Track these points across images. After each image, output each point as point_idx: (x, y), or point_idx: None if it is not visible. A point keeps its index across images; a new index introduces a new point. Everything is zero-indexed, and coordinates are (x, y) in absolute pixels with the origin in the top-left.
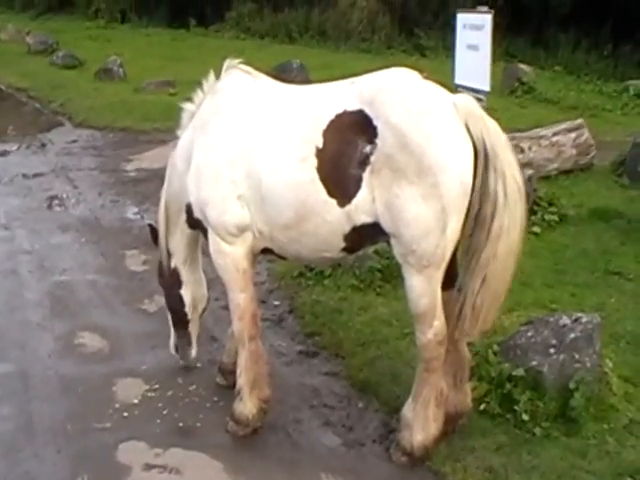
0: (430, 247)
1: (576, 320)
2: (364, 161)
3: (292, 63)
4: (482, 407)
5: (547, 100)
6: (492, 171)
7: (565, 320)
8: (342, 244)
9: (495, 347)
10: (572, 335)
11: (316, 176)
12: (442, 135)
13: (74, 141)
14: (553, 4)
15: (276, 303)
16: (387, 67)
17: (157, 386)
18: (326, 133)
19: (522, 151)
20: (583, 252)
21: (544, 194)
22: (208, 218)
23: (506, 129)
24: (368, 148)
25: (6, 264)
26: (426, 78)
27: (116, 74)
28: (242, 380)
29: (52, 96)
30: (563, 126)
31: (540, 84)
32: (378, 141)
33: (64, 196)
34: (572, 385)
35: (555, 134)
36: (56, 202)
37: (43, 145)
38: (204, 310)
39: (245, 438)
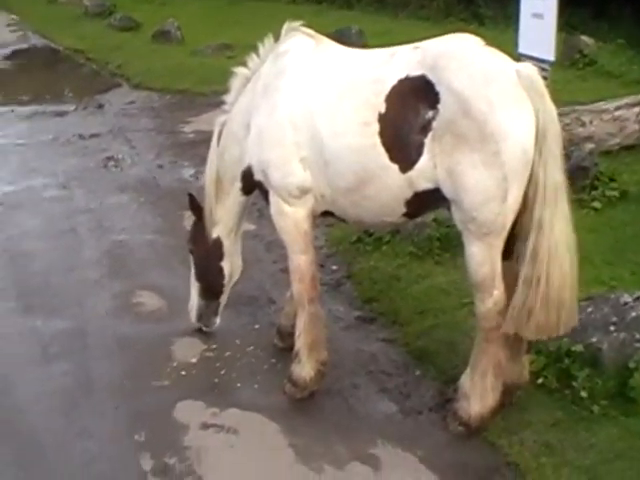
0: (491, 215)
1: (637, 298)
2: (426, 127)
3: (350, 29)
4: (540, 381)
5: (609, 73)
6: (537, 153)
7: (626, 298)
8: (403, 209)
9: None
10: (633, 314)
11: (378, 141)
12: (505, 102)
13: (131, 102)
14: None
15: (334, 268)
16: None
17: (215, 346)
18: (389, 98)
19: (583, 124)
20: None
21: (605, 169)
22: (270, 180)
23: (567, 102)
24: (430, 114)
25: (65, 223)
26: (489, 45)
27: (173, 37)
28: (300, 342)
29: (109, 58)
30: (626, 100)
31: (602, 57)
32: (440, 107)
33: (122, 157)
34: (632, 364)
35: (618, 108)
36: (114, 162)
37: (100, 106)
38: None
39: (302, 401)
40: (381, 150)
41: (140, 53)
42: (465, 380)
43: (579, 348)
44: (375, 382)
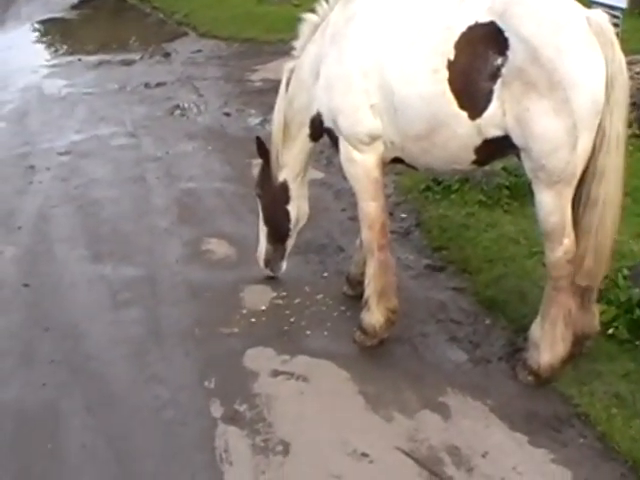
0: (560, 163)
1: None
2: (495, 74)
3: None
4: (610, 332)
5: None
6: (605, 102)
7: None
8: (472, 157)
9: (625, 271)
10: None
11: (447, 88)
12: (574, 50)
13: (198, 51)
14: None
15: (403, 216)
16: None
17: (284, 294)
18: (458, 45)
19: None
20: None
21: None
22: (340, 127)
23: (636, 50)
24: (499, 61)
25: (134, 170)
26: None
27: None
28: (370, 289)
29: (175, 7)
30: None
31: None
32: (509, 54)
33: (189, 105)
34: None
35: None
36: (181, 111)
37: (167, 54)
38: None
39: (372, 348)
40: (450, 97)
41: (206, 2)
42: (535, 329)
43: None
44: (444, 331)
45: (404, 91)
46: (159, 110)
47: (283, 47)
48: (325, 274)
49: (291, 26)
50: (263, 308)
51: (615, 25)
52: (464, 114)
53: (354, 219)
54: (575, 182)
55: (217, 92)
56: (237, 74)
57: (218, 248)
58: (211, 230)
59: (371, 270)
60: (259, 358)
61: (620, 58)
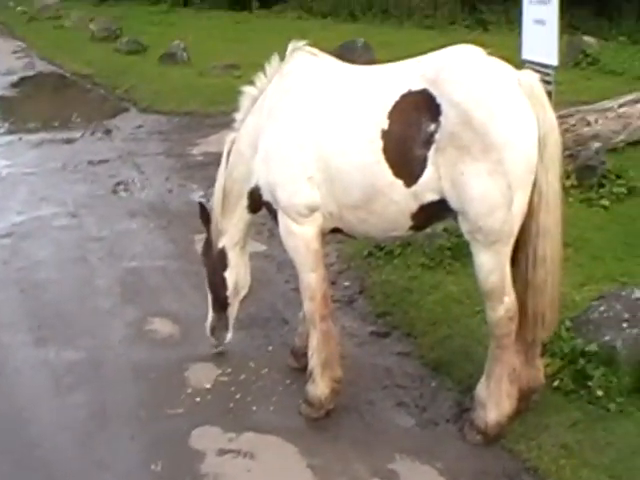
0: (497, 223)
1: None
2: (429, 140)
3: (356, 42)
4: (555, 384)
5: (612, 71)
6: (540, 160)
7: (638, 294)
8: (409, 223)
9: (567, 323)
10: None
11: (382, 158)
12: (506, 111)
13: (140, 126)
14: None
15: (346, 284)
16: (450, 44)
17: (229, 370)
18: (391, 114)
19: (588, 124)
20: None
21: (612, 167)
22: (279, 200)
23: (572, 102)
24: (432, 127)
25: (76, 252)
26: (490, 54)
27: (180, 58)
28: (314, 361)
29: (117, 82)
30: (629, 97)
31: (605, 55)
32: (442, 119)
33: (131, 182)
34: None
35: (621, 106)
36: (123, 188)
37: (109, 131)
38: (245, 296)
39: (318, 420)
40: (385, 166)
41: (147, 76)
42: (481, 389)
43: (593, 348)
44: (391, 396)
45: (340, 162)
46: (101, 188)
47: (224, 119)
48: (270, 348)
49: (232, 98)
50: (208, 386)
51: (547, 83)
52: (399, 182)
53: (297, 290)
54: (512, 240)
55: (159, 168)
56: (178, 149)
57: (162, 327)
58: (154, 309)
59: (314, 341)
60: (205, 437)
61: (551, 117)
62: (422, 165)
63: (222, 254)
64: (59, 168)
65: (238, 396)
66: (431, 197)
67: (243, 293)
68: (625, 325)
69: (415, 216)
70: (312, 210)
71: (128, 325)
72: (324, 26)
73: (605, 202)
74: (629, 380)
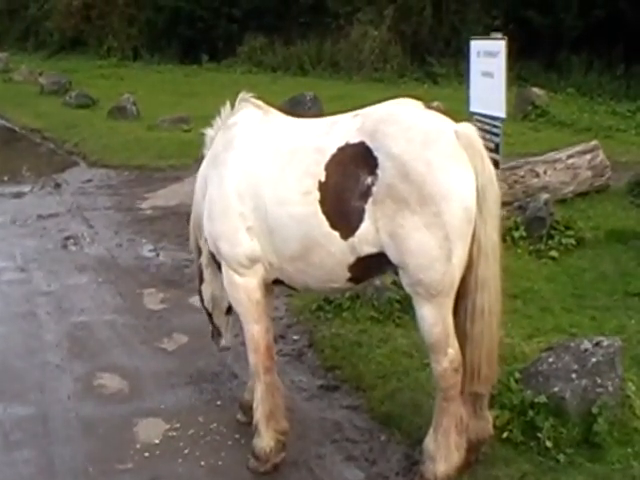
0: (437, 275)
1: (597, 344)
2: (366, 192)
3: (305, 95)
4: (505, 435)
5: (561, 123)
6: (478, 213)
7: (586, 345)
8: (347, 274)
9: (516, 374)
10: (594, 359)
11: (319, 209)
12: (442, 163)
13: (89, 180)
14: (565, 27)
15: (295, 338)
16: (399, 96)
17: (178, 425)
18: (328, 167)
19: (537, 175)
20: (602, 275)
21: (561, 218)
22: (220, 251)
23: (521, 154)
24: (369, 179)
25: (24, 306)
26: (430, 107)
27: (130, 112)
28: (259, 414)
29: (66, 136)
30: (578, 148)
31: (553, 107)
32: (379, 172)
33: (80, 236)
34: (595, 410)
35: (570, 157)
36: (72, 242)
37: (58, 185)
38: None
39: (267, 475)
40: (322, 218)
41: (96, 130)
42: (429, 441)
43: (542, 399)
44: (341, 450)
45: (277, 213)
46: (50, 242)
47: (173, 173)
48: (219, 402)
49: (181, 151)
50: (157, 441)
51: (495, 135)
52: (336, 234)
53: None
54: (453, 293)
55: (108, 222)
56: (127, 203)
57: (110, 382)
58: (103, 364)
59: (258, 394)
60: None
61: (490, 169)
62: (359, 217)
63: (200, 270)
64: (8, 222)
65: (187, 451)
66: (369, 250)
67: (225, 306)
68: (574, 376)
69: (353, 268)
70: (253, 261)
71: (77, 380)
72: (274, 80)
73: (554, 253)
74: (578, 431)
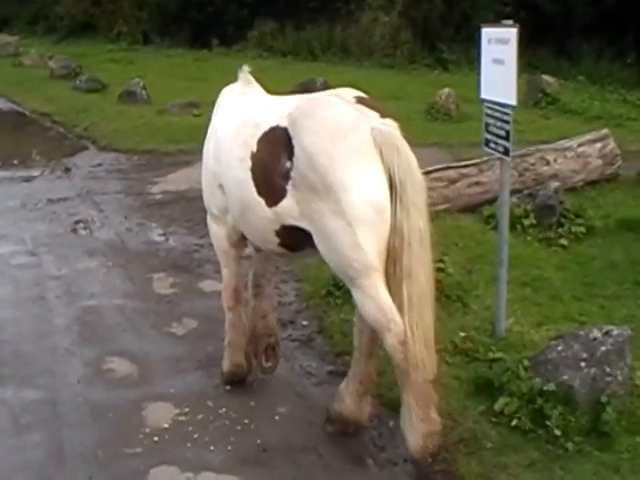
0: (346, 260)
1: (606, 333)
2: (286, 175)
3: (315, 81)
4: (514, 423)
5: (571, 111)
6: (399, 203)
7: (595, 333)
8: (277, 239)
9: (525, 362)
10: (603, 348)
11: (250, 176)
12: (345, 157)
13: (99, 165)
14: (576, 14)
15: (304, 323)
16: (410, 82)
17: (187, 410)
18: (260, 142)
19: (548, 163)
20: (611, 264)
21: (571, 206)
22: (204, 201)
23: (531, 141)
24: (288, 164)
25: (34, 290)
26: (362, 101)
27: (139, 96)
28: (225, 341)
29: (76, 120)
30: (588, 137)
31: (564, 95)
32: (295, 160)
33: (90, 220)
34: (604, 399)
35: (580, 145)
36: (82, 226)
37: (68, 169)
38: None
39: (277, 459)
40: (252, 184)
41: (106, 114)
42: (403, 417)
43: (551, 387)
44: (349, 436)
45: (227, 175)
46: (60, 227)
47: (183, 158)
48: (228, 387)
49: (191, 136)
50: (166, 426)
51: (506, 122)
52: (262, 200)
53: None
54: (376, 275)
55: (117, 206)
56: (137, 187)
57: (119, 367)
58: (112, 348)
59: (225, 325)
60: (163, 477)
61: (408, 163)
62: (281, 193)
63: None
64: (18, 206)
65: (196, 436)
66: (292, 222)
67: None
68: (583, 365)
69: (280, 234)
70: (222, 213)
71: (86, 364)
72: (284, 65)
73: (564, 241)
74: (587, 419)
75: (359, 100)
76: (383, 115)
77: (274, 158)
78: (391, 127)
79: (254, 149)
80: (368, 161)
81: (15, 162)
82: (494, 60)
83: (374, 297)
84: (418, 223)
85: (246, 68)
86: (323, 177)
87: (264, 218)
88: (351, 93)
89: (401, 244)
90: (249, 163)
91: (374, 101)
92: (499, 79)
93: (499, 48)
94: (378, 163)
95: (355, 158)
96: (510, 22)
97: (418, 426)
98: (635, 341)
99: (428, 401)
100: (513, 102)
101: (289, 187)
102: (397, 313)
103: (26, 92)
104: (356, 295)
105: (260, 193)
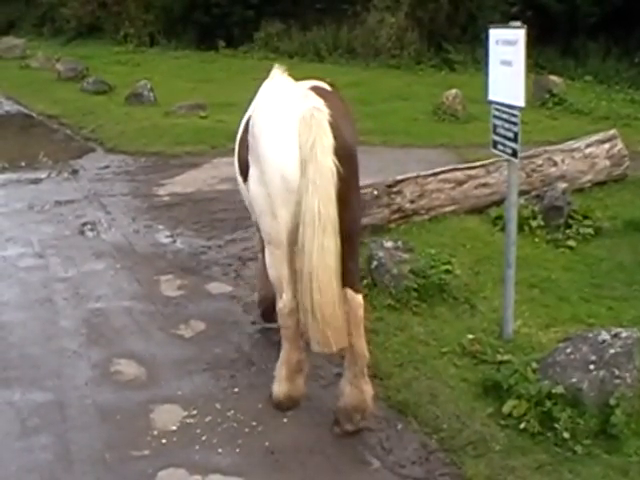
0: (264, 226)
1: (615, 335)
2: (247, 148)
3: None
4: (522, 426)
5: (578, 111)
6: (302, 181)
7: (604, 335)
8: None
9: (534, 364)
10: (612, 351)
11: (236, 156)
12: (272, 134)
13: (106, 167)
14: (582, 13)
15: None
16: (416, 83)
17: (195, 412)
18: (245, 124)
19: (555, 164)
20: (619, 265)
21: (578, 207)
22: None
23: (538, 142)
24: (249, 139)
25: (41, 292)
26: (316, 90)
27: (146, 98)
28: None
29: (83, 122)
30: (596, 137)
31: (571, 95)
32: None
33: (97, 222)
34: (612, 401)
35: (588, 146)
36: (89, 228)
37: (75, 171)
38: None
39: (285, 462)
40: (237, 164)
41: (113, 116)
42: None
43: (560, 390)
44: (357, 438)
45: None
46: (67, 229)
47: (190, 160)
48: (236, 389)
49: (198, 138)
50: (174, 428)
51: (514, 124)
52: (241, 179)
53: (264, 332)
54: (284, 247)
55: (125, 208)
56: (144, 189)
57: (127, 369)
58: (120, 350)
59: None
60: (171, 479)
61: (314, 143)
62: (247, 167)
63: None
64: (25, 208)
65: (204, 438)
66: None
67: None
68: (592, 367)
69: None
70: None
71: (94, 366)
72: (290, 66)
73: (572, 243)
74: (595, 422)
75: (313, 88)
76: (329, 103)
77: (242, 139)
78: (312, 113)
79: (241, 131)
80: (288, 141)
81: (22, 164)
82: (502, 61)
83: (277, 266)
84: (314, 203)
85: (280, 67)
86: (254, 147)
87: (242, 191)
88: (311, 83)
89: (302, 223)
90: (236, 144)
91: (328, 91)
92: (507, 80)
93: (507, 49)
94: (294, 143)
95: (278, 134)
96: (518, 23)
97: (281, 383)
98: None
99: (294, 369)
100: (521, 104)
101: (250, 158)
102: (287, 286)
103: (33, 94)
104: (265, 254)
105: (240, 171)
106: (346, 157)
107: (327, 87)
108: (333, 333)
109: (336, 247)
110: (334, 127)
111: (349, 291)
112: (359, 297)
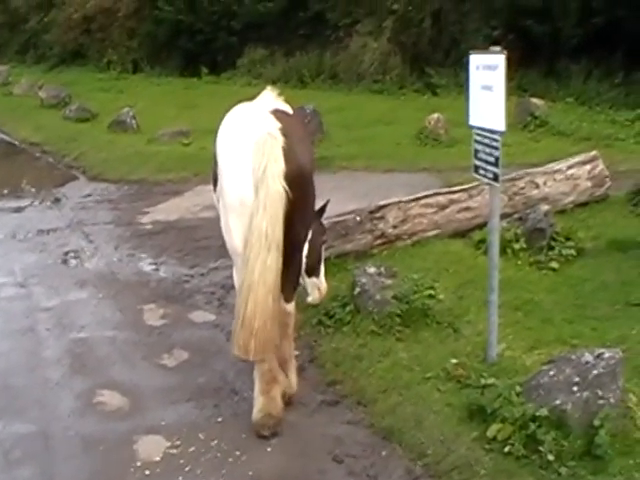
0: (225, 236)
1: (598, 356)
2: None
3: (305, 108)
4: (507, 449)
5: (560, 133)
6: (254, 202)
7: (587, 357)
8: None
9: (518, 388)
10: (595, 372)
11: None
12: (231, 155)
13: (89, 195)
14: (564, 35)
15: (296, 353)
16: (399, 107)
17: (178, 442)
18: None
19: (537, 186)
20: (603, 285)
21: (561, 229)
22: None
23: (520, 164)
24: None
25: (24, 322)
26: (275, 113)
27: (129, 125)
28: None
29: (66, 150)
30: (577, 159)
31: (553, 117)
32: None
33: (80, 251)
34: (597, 422)
35: (570, 167)
36: (72, 257)
37: (57, 200)
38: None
39: None
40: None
41: (96, 144)
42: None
43: (544, 412)
44: (342, 466)
45: None
46: (50, 258)
47: (173, 187)
48: (220, 419)
49: (181, 165)
50: (157, 459)
51: (495, 148)
52: (212, 187)
53: (247, 360)
54: (236, 258)
55: (107, 237)
56: (127, 217)
57: (110, 399)
58: (103, 381)
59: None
60: None
61: (264, 168)
62: (215, 181)
63: None
64: (8, 237)
65: (188, 468)
66: None
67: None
68: (575, 389)
69: None
70: None
71: (77, 397)
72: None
73: (554, 264)
74: (580, 444)
75: (274, 112)
76: (286, 127)
77: (214, 156)
78: (267, 136)
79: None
80: (244, 163)
81: (5, 192)
82: (482, 86)
83: (235, 277)
84: (262, 224)
85: (271, 90)
86: (217, 163)
87: (215, 200)
88: (274, 106)
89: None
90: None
91: (289, 115)
92: (488, 105)
93: (487, 74)
94: (248, 165)
95: (237, 158)
96: (498, 49)
97: (258, 399)
98: (627, 362)
99: (268, 378)
100: (502, 128)
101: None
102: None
103: (16, 121)
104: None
105: (213, 180)
106: (297, 181)
107: (289, 110)
108: (257, 344)
109: (277, 265)
110: (287, 152)
111: (282, 302)
112: (290, 306)
